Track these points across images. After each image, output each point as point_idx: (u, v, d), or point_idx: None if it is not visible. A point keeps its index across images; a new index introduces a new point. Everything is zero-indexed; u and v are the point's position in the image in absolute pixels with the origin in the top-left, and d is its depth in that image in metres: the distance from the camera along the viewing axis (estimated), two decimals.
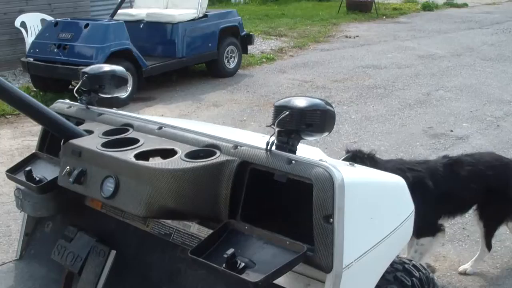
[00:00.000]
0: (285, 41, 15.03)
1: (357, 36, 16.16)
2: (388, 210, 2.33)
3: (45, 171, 2.84)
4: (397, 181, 2.44)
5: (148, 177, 2.18)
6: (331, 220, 1.95)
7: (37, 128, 8.22)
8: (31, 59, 9.51)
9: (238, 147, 2.21)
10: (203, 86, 10.54)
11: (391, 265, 2.53)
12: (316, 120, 2.11)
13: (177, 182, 2.13)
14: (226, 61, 11.19)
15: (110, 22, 9.45)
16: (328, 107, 2.16)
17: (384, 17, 20.29)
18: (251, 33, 12.12)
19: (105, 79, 2.89)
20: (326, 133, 2.18)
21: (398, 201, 2.42)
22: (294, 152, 2.12)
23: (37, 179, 2.76)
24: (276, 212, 2.32)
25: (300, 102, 2.13)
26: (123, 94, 3.01)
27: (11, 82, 10.48)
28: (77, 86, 2.92)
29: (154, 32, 10.44)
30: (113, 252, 2.68)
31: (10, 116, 8.89)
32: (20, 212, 3.08)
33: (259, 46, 14.07)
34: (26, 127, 8.37)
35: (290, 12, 20.66)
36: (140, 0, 11.39)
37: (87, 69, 2.93)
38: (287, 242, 2.04)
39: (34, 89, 10.03)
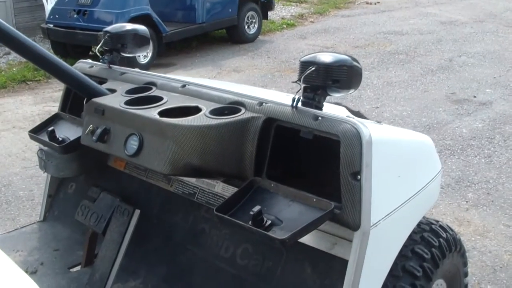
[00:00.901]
0: (306, 7, 14.91)
1: (378, 2, 15.98)
2: (415, 168, 2.29)
3: (67, 131, 2.82)
4: (425, 140, 2.41)
5: (172, 134, 2.15)
6: (359, 177, 1.92)
7: (58, 94, 8.24)
8: (51, 25, 9.50)
9: (263, 103, 2.18)
10: (224, 52, 10.49)
11: (418, 225, 2.50)
12: (342, 76, 2.07)
13: (202, 139, 2.10)
14: (246, 27, 11.12)
15: None
16: (355, 63, 2.12)
17: None
18: None
19: (127, 38, 2.86)
20: (353, 90, 2.14)
21: (425, 160, 2.38)
22: (321, 109, 2.09)
23: (60, 139, 2.75)
24: (302, 169, 2.29)
25: (327, 57, 2.08)
26: (145, 54, 2.97)
27: None
28: (99, 45, 2.89)
29: None
30: (137, 212, 2.66)
31: (31, 82, 8.90)
32: (43, 173, 3.06)
33: (279, 12, 13.97)
34: (47, 93, 8.38)
35: None
36: None
37: (109, 28, 2.89)
38: (314, 200, 2.01)
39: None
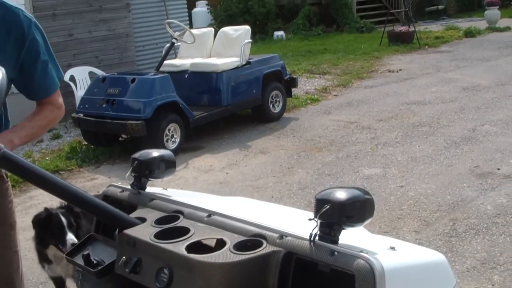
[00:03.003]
0: (329, 79, 15.14)
1: (400, 69, 16.20)
2: None
3: (102, 254, 2.98)
4: (437, 259, 2.53)
5: (199, 270, 2.30)
6: None
7: (90, 183, 8.48)
8: (81, 115, 9.76)
9: (284, 237, 2.33)
10: (250, 132, 10.70)
11: None
12: (356, 212, 2.22)
13: (227, 275, 2.25)
14: (271, 106, 11.34)
15: (156, 76, 9.66)
16: (367, 196, 2.27)
17: (427, 46, 20.27)
18: (294, 76, 12.25)
19: (154, 165, 3.02)
20: (367, 221, 2.29)
21: (439, 279, 2.50)
22: (337, 243, 2.23)
23: (95, 262, 2.90)
24: None
25: (340, 194, 2.23)
26: (171, 176, 3.14)
27: (62, 136, 10.86)
28: (128, 172, 3.06)
29: (199, 82, 10.64)
30: None
31: (63, 172, 9.14)
32: None
33: (303, 86, 14.20)
34: (79, 182, 8.60)
35: (332, 46, 20.77)
36: (183, 50, 11.62)
37: (136, 155, 3.06)
38: None
39: (85, 143, 10.30)
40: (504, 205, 6.86)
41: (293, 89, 12.17)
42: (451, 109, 11.48)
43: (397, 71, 16.03)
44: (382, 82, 14.70)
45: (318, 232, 2.23)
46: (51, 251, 4.77)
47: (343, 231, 2.28)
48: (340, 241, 2.23)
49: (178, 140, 9.56)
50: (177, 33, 10.82)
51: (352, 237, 2.35)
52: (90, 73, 12.01)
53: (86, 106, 9.75)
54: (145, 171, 3.02)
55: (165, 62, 10.72)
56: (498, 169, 8.03)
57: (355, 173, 8.22)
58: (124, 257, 2.63)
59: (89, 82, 11.29)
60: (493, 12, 24.18)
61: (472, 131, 9.88)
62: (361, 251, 2.14)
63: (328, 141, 9.84)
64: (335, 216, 2.21)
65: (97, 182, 8.45)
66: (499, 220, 6.48)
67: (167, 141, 9.40)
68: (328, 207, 2.19)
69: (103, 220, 2.90)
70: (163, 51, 11.11)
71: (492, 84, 13.67)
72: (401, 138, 9.76)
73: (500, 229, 6.26)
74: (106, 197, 3.07)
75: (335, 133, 10.31)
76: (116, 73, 10.58)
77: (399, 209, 6.92)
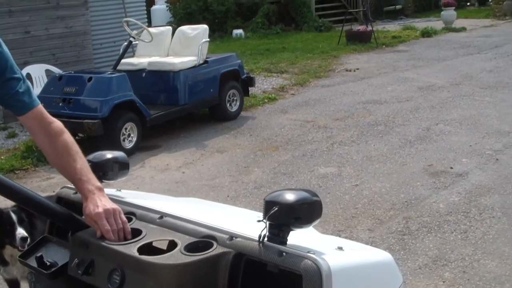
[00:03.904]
0: (286, 78, 15.21)
1: (357, 68, 16.33)
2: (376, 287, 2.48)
3: (55, 255, 2.99)
4: (385, 259, 2.60)
5: (151, 271, 2.34)
6: None
7: (46, 183, 8.44)
8: None
9: (233, 238, 2.38)
10: (207, 132, 10.73)
11: None
12: (304, 213, 2.28)
13: (178, 276, 2.29)
14: (228, 105, 11.38)
15: (113, 75, 9.65)
16: (315, 198, 2.33)
17: (384, 46, 20.44)
18: (252, 76, 12.34)
19: (107, 166, 3.04)
20: (315, 222, 2.34)
21: (385, 278, 2.57)
22: (285, 244, 2.28)
23: (48, 264, 2.91)
24: None
25: (289, 196, 2.28)
26: (125, 177, 3.16)
27: (18, 134, 10.78)
28: None
29: (156, 81, 10.65)
30: None
31: (19, 171, 9.09)
32: None
33: (261, 84, 14.23)
34: (35, 182, 8.57)
35: (291, 45, 20.83)
36: (141, 49, 11.60)
37: (90, 157, 3.08)
38: None
39: None
40: (456, 203, 6.99)
41: (250, 88, 12.23)
42: (407, 108, 11.63)
43: (354, 70, 16.16)
44: (339, 81, 14.81)
45: (267, 233, 2.28)
46: (8, 251, 4.75)
47: (292, 232, 2.33)
48: (288, 242, 2.29)
49: (135, 139, 9.56)
50: (134, 32, 10.79)
51: (301, 237, 2.41)
52: (47, 71, 11.90)
53: (42, 104, 9.64)
54: (98, 173, 3.04)
55: (123, 60, 10.68)
56: (451, 168, 8.17)
57: (310, 172, 8.30)
58: (77, 259, 2.65)
59: (45, 80, 11.20)
60: (449, 12, 24.50)
61: (427, 131, 10.03)
62: (308, 252, 2.20)
63: (284, 140, 9.91)
64: (283, 217, 2.27)
65: (52, 181, 8.41)
66: (450, 218, 6.61)
67: (123, 140, 9.39)
68: (276, 209, 2.25)
69: (56, 222, 2.91)
70: (121, 50, 11.08)
71: (447, 83, 13.86)
72: (356, 137, 9.87)
73: (451, 227, 6.39)
74: (59, 198, 3.08)
75: (292, 132, 10.38)
76: (73, 72, 10.53)
77: (354, 208, 7.01)
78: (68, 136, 2.86)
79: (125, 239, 2.57)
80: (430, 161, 8.48)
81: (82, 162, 2.78)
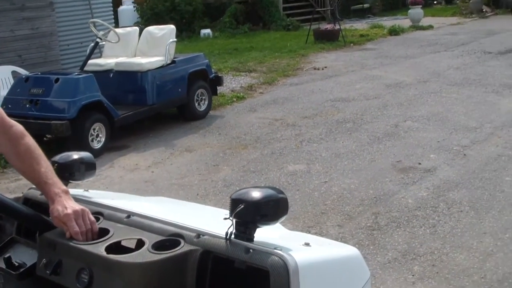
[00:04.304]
0: (255, 77, 15.23)
1: (325, 67, 16.39)
2: (344, 283, 2.49)
3: (24, 256, 2.98)
4: (352, 253, 2.62)
5: (118, 270, 2.34)
6: None
7: (14, 184, 8.38)
8: None
9: (201, 236, 2.38)
10: (176, 131, 10.70)
11: None
12: (270, 210, 2.29)
13: (145, 274, 2.30)
14: (196, 104, 11.36)
15: (80, 76, 9.59)
16: (281, 195, 2.34)
17: (352, 44, 20.55)
18: (220, 75, 12.33)
19: (74, 167, 3.04)
20: (281, 219, 2.36)
21: (353, 272, 2.59)
22: (252, 241, 2.29)
23: (17, 264, 2.90)
24: None
25: (255, 194, 2.30)
26: (92, 178, 3.16)
27: None
28: None
29: (124, 81, 10.60)
30: None
31: None
32: None
33: (229, 84, 14.23)
34: (3, 184, 8.50)
35: (259, 44, 20.87)
36: (108, 49, 11.55)
37: (56, 158, 3.07)
38: None
39: None
40: (424, 198, 7.05)
41: (218, 87, 12.22)
42: (375, 105, 11.69)
43: (322, 69, 16.21)
44: (307, 80, 14.85)
45: (234, 231, 2.29)
46: None
47: (258, 229, 2.35)
48: (256, 239, 2.30)
49: (103, 139, 9.52)
50: (101, 33, 10.76)
51: (267, 234, 2.42)
52: (13, 72, 11.80)
53: (9, 106, 9.61)
54: (65, 174, 3.03)
55: (90, 61, 10.64)
56: (419, 163, 8.23)
57: (280, 169, 8.32)
58: (45, 259, 2.64)
59: (12, 81, 11.12)
60: (416, 11, 24.74)
61: (395, 127, 10.09)
62: (275, 248, 2.21)
63: (253, 139, 9.92)
64: (249, 215, 2.28)
65: (21, 183, 8.34)
66: (419, 213, 6.66)
67: (92, 140, 9.35)
68: (242, 206, 2.26)
69: (23, 223, 2.90)
70: (88, 51, 11.03)
71: (415, 81, 13.97)
72: (325, 134, 9.90)
73: (420, 221, 6.44)
74: (26, 199, 3.07)
75: (260, 130, 10.40)
76: (39, 73, 10.46)
77: (323, 204, 7.04)
78: (29, 139, 2.83)
79: (93, 239, 2.57)
80: (398, 157, 8.54)
81: (46, 165, 2.75)
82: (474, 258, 5.60)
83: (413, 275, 5.37)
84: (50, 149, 3.00)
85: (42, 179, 2.68)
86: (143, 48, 11.34)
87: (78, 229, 2.53)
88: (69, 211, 2.54)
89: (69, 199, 2.64)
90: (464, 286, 5.14)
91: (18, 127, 2.84)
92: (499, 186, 7.32)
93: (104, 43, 11.33)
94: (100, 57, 11.93)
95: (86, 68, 10.40)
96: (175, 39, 11.24)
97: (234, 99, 12.90)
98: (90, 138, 9.31)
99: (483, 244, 5.88)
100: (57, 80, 9.48)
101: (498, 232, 6.13)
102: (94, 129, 9.42)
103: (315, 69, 16.28)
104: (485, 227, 6.26)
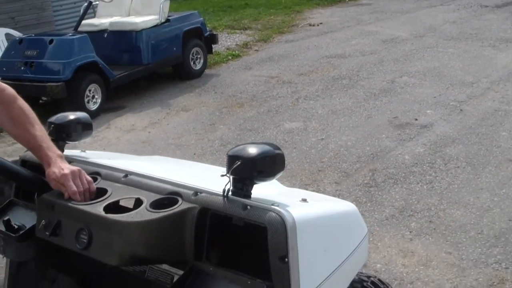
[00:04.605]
0: (250, 34, 15.16)
1: (321, 23, 16.31)
2: (341, 238, 2.51)
3: (23, 218, 2.99)
4: (348, 209, 2.63)
5: (117, 229, 2.35)
6: (286, 259, 2.14)
7: (11, 148, 8.37)
8: None
9: (198, 193, 2.39)
10: (171, 90, 10.67)
11: (351, 284, 2.73)
12: (266, 166, 2.29)
13: (145, 233, 2.31)
14: (192, 63, 11.33)
15: (74, 36, 9.54)
16: (277, 151, 2.34)
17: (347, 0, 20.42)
18: (214, 33, 12.26)
19: (71, 127, 3.03)
20: (278, 175, 2.36)
21: (350, 228, 2.61)
22: (249, 197, 2.30)
23: (16, 227, 2.91)
24: (240, 250, 2.50)
25: (251, 150, 2.30)
26: (89, 138, 3.16)
27: None
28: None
29: (119, 41, 10.54)
30: None
31: None
32: (3, 258, 3.23)
33: (224, 42, 14.17)
34: (0, 147, 8.49)
35: (253, 1, 20.74)
36: (102, 9, 11.45)
37: (52, 118, 3.06)
38: (248, 282, 2.22)
39: None
40: (421, 154, 7.07)
41: (213, 46, 12.17)
42: (371, 61, 11.66)
43: (318, 25, 16.14)
44: (302, 36, 14.78)
45: (231, 188, 2.30)
46: None
47: (256, 186, 2.35)
48: (253, 196, 2.30)
49: (99, 100, 9.50)
50: None
51: (265, 191, 2.43)
52: (7, 34, 11.72)
53: (4, 69, 9.58)
54: (62, 135, 3.02)
55: (84, 22, 10.56)
56: (416, 119, 8.23)
57: (276, 127, 8.32)
58: (43, 221, 2.65)
59: (6, 44, 11.06)
60: None
61: (391, 83, 10.08)
62: (272, 204, 2.22)
63: (249, 97, 9.90)
64: (246, 171, 2.28)
65: (18, 146, 8.26)
66: (416, 169, 6.68)
67: (88, 102, 9.33)
68: (239, 163, 2.26)
69: (21, 185, 2.91)
70: (81, 11, 10.95)
71: (411, 36, 13.92)
72: (321, 91, 9.89)
73: (417, 177, 6.46)
74: (24, 162, 3.07)
75: (256, 88, 10.37)
76: (33, 35, 10.39)
77: (320, 162, 7.05)
78: (22, 102, 2.81)
79: (91, 199, 2.58)
80: (395, 113, 8.54)
81: (40, 129, 2.73)
82: (471, 214, 5.63)
83: (410, 232, 5.39)
84: (46, 112, 2.99)
85: (37, 142, 2.67)
86: (137, 7, 11.25)
87: (76, 188, 2.53)
88: (67, 171, 2.54)
89: (64, 162, 2.64)
90: (461, 242, 5.17)
91: (10, 90, 2.80)
92: (495, 141, 7.34)
93: (97, 2, 11.23)
94: (94, 17, 11.82)
95: (80, 29, 10.33)
96: None
97: (230, 57, 12.85)
98: (86, 100, 9.28)
99: (480, 199, 5.91)
100: (51, 41, 9.42)
101: (495, 187, 6.15)
102: (90, 90, 9.39)
103: (310, 25, 16.21)
104: (482, 182, 6.29)
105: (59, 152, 2.69)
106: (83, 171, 2.61)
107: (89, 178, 2.61)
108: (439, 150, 7.14)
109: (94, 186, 2.62)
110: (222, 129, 8.41)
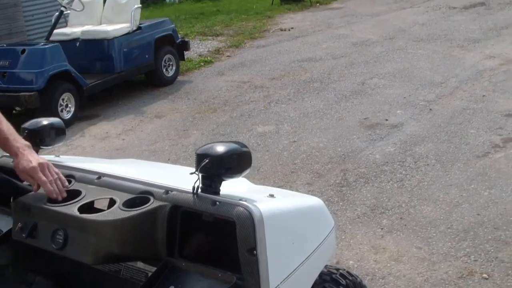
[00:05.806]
0: (222, 41, 15.23)
1: (292, 28, 16.41)
2: (308, 231, 2.61)
3: None
4: (315, 204, 2.73)
5: (92, 229, 2.43)
6: (255, 252, 2.23)
7: None
8: None
9: (169, 192, 2.48)
10: (145, 98, 10.73)
11: (320, 276, 2.83)
12: (234, 164, 2.39)
13: (118, 231, 2.39)
14: (164, 70, 11.38)
15: (46, 46, 9.55)
16: (244, 149, 2.43)
17: (318, 4, 20.53)
18: (186, 40, 12.33)
19: (44, 133, 3.10)
20: (246, 172, 2.45)
21: (317, 221, 2.70)
22: (218, 194, 2.39)
23: None
24: (211, 244, 2.59)
25: (219, 148, 2.39)
26: (62, 143, 3.22)
27: None
28: None
29: (91, 49, 10.57)
30: None
31: None
32: None
33: (196, 48, 14.23)
34: None
35: (225, 7, 20.85)
36: (73, 18, 11.47)
37: (26, 124, 3.13)
38: (219, 275, 2.31)
39: None
40: (392, 153, 7.19)
41: (186, 52, 12.23)
42: (342, 64, 11.79)
43: (289, 30, 16.24)
44: (274, 41, 14.87)
45: (200, 185, 2.39)
46: None
47: (225, 183, 2.44)
48: (222, 192, 2.40)
49: (73, 109, 9.54)
50: (65, 1, 10.68)
51: (233, 188, 2.53)
52: None
53: None
54: (35, 140, 3.09)
55: (56, 31, 10.55)
56: (386, 120, 8.36)
57: (249, 131, 8.40)
58: (20, 223, 2.72)
59: None
60: None
61: (362, 85, 10.20)
62: (240, 200, 2.31)
63: (222, 102, 9.98)
64: (214, 168, 2.37)
65: None
66: (387, 168, 6.79)
67: (61, 111, 9.36)
68: (207, 161, 2.35)
69: None
70: (53, 20, 10.97)
71: (381, 38, 14.06)
72: (293, 95, 9.99)
73: (388, 176, 6.58)
74: None
75: (229, 93, 10.45)
76: (5, 45, 10.40)
77: (292, 164, 7.15)
78: None
79: (64, 200, 2.64)
80: (365, 114, 8.66)
81: (6, 123, 2.79)
82: (440, 209, 5.76)
83: (381, 229, 5.50)
84: (20, 122, 3.05)
85: (2, 135, 2.72)
86: (109, 15, 11.29)
87: (46, 179, 2.59)
88: (34, 164, 2.60)
89: (32, 152, 2.71)
90: (431, 237, 5.29)
91: None
92: (464, 138, 7.48)
93: (69, 11, 11.25)
94: (65, 26, 11.84)
95: (52, 38, 10.33)
96: (140, 5, 11.21)
97: (202, 64, 12.91)
98: (59, 109, 9.32)
99: (449, 195, 6.04)
100: (23, 51, 9.45)
101: (463, 183, 6.28)
102: (63, 99, 9.42)
103: (281, 30, 16.31)
104: (451, 179, 6.42)
105: (26, 142, 2.75)
106: (50, 163, 2.68)
107: (56, 170, 2.67)
108: (409, 149, 7.27)
109: (62, 176, 2.69)
110: (196, 135, 8.48)
